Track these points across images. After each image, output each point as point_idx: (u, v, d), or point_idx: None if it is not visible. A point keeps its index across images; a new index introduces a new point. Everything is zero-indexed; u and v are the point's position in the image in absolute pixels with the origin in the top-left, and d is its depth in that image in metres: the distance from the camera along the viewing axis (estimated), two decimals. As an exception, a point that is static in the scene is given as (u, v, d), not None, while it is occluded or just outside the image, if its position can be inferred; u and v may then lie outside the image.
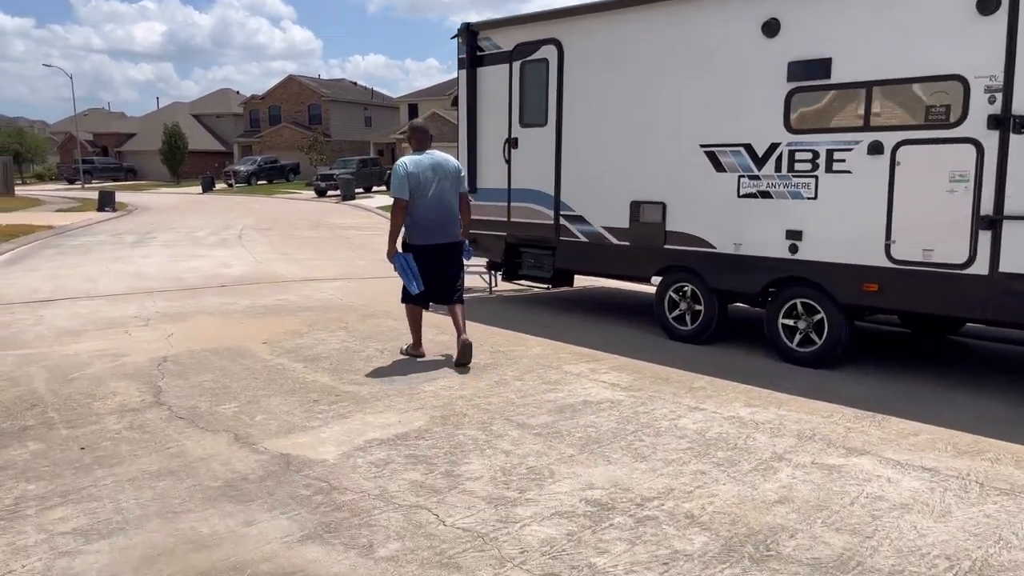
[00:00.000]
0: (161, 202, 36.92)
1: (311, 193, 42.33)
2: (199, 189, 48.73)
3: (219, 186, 51.21)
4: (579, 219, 8.20)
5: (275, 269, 12.71)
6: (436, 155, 6.64)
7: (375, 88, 69.13)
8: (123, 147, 69.73)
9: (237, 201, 37.44)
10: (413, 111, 57.19)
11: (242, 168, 53.53)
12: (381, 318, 8.41)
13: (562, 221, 8.36)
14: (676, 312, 7.55)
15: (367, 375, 6.25)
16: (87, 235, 19.30)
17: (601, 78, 7.88)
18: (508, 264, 9.14)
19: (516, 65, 8.71)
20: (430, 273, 6.57)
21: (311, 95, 61.47)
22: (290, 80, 63.09)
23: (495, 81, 8.97)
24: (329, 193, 40.13)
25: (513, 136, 8.80)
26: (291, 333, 7.75)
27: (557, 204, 8.39)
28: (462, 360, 6.47)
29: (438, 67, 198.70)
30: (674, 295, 7.56)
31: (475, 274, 10.59)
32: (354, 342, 7.40)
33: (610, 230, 7.90)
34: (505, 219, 8.99)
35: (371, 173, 42.34)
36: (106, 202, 28.87)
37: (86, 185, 53.72)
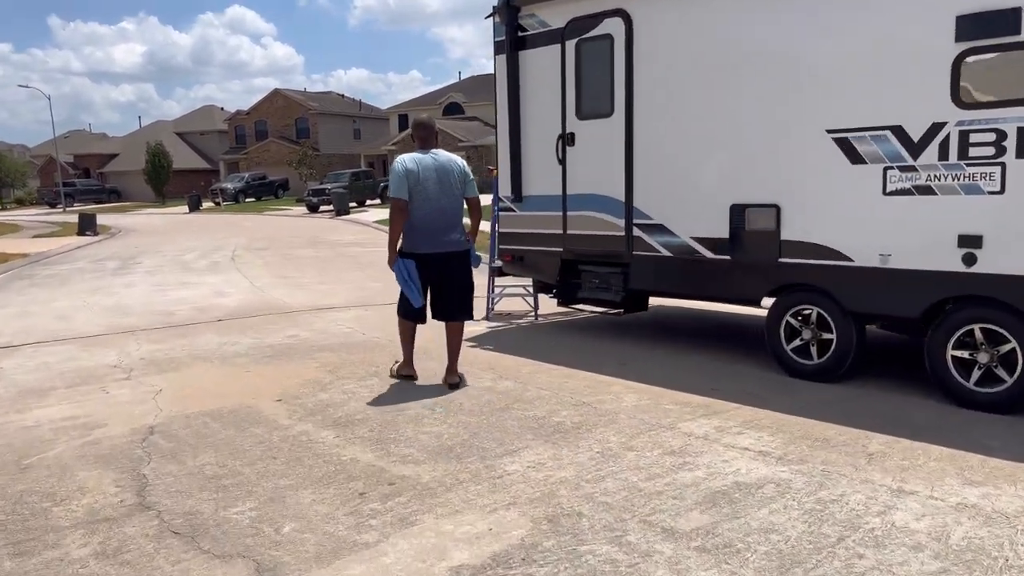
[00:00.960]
0: (146, 223, 35.22)
1: (302, 209, 40.71)
2: (185, 208, 46.97)
3: (206, 205, 49.47)
4: (659, 229, 6.66)
5: (278, 297, 11.11)
6: (441, 154, 5.94)
7: (362, 100, 67.55)
8: (105, 168, 67.81)
9: (226, 220, 35.76)
10: (403, 122, 55.74)
11: (229, 185, 51.82)
12: (420, 359, 6.86)
13: (636, 232, 6.83)
14: (796, 342, 6.02)
15: (422, 447, 4.68)
16: (65, 263, 17.62)
17: (686, 53, 6.36)
18: (564, 286, 7.58)
19: (570, 45, 7.18)
20: (431, 285, 5.93)
21: (298, 109, 59.87)
22: (276, 94, 61.48)
23: (543, 66, 7.44)
24: (322, 208, 38.51)
25: (568, 131, 7.27)
26: (311, 384, 6.18)
27: (629, 211, 6.86)
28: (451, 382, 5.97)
29: (421, 79, 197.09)
30: (793, 321, 6.02)
31: (515, 295, 9.05)
32: (393, 395, 5.83)
33: (703, 241, 6.37)
34: (559, 231, 7.45)
35: (364, 186, 40.78)
36: (87, 225, 27.16)
37: (68, 208, 51.89)
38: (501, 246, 8.09)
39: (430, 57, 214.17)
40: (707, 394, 5.58)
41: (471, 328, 8.08)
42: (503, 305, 9.18)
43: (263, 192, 53.07)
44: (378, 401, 5.67)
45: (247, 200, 51.08)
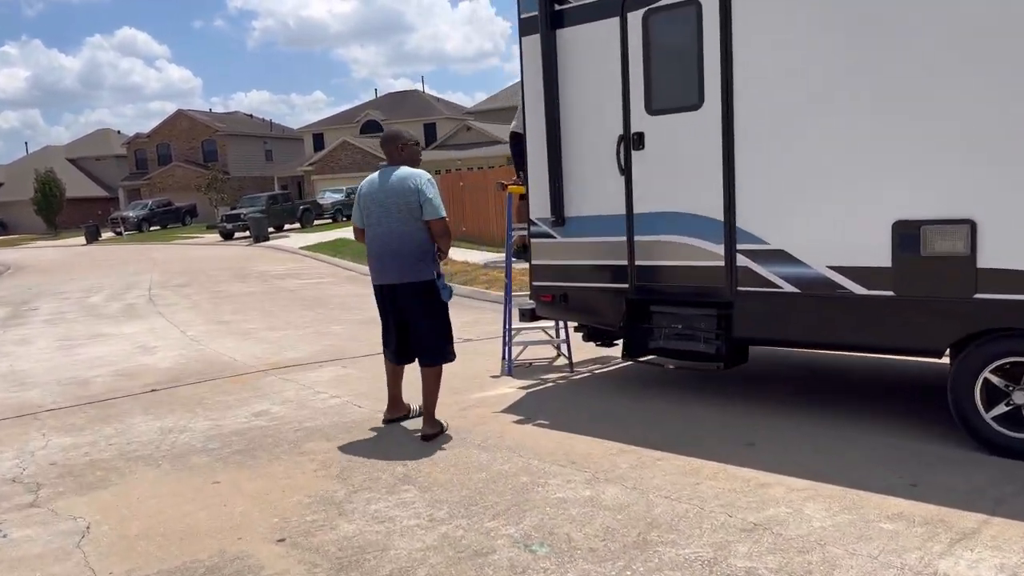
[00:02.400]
0: (39, 258, 31.70)
1: (215, 236, 37.75)
2: (82, 240, 43.15)
3: (106, 235, 45.67)
4: (778, 256, 4.96)
5: (222, 351, 8.94)
6: (401, 171, 5.22)
7: (272, 120, 64.41)
8: (-10, 199, 62.42)
9: (132, 251, 32.55)
10: (319, 141, 53.33)
11: (131, 214, 48.06)
12: (461, 446, 4.96)
13: (742, 261, 5.11)
14: (1002, 408, 4.38)
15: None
16: (-58, 311, 14.79)
17: (822, 9, 4.70)
18: (631, 332, 5.78)
19: (635, 17, 5.44)
20: (390, 321, 5.38)
21: (204, 130, 56.43)
22: (179, 115, 57.84)
23: (594, 46, 5.67)
24: (237, 235, 35.75)
25: (634, 131, 5.52)
26: (320, 505, 4.18)
27: (731, 234, 5.14)
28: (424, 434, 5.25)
29: (325, 100, 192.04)
30: (996, 379, 4.39)
31: (541, 343, 7.22)
32: (452, 512, 3.91)
33: (848, 272, 4.70)
34: (623, 262, 5.68)
35: (283, 210, 38.08)
36: (-30, 264, 23.86)
37: (-53, 244, 47.11)
38: (536, 283, 6.25)
39: (333, 78, 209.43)
40: (916, 495, 3.87)
41: (500, 392, 6.21)
42: (514, 352, 7.33)
43: (169, 219, 49.57)
44: (435, 530, 3.74)
45: (152, 229, 47.48)
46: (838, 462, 4.35)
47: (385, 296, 5.30)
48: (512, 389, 6.39)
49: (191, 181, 52.64)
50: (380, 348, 5.69)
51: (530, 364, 7.25)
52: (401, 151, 5.27)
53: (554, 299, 6.15)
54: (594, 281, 5.88)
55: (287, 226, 38.31)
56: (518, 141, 6.71)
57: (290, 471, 4.75)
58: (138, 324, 11.39)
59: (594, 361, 7.27)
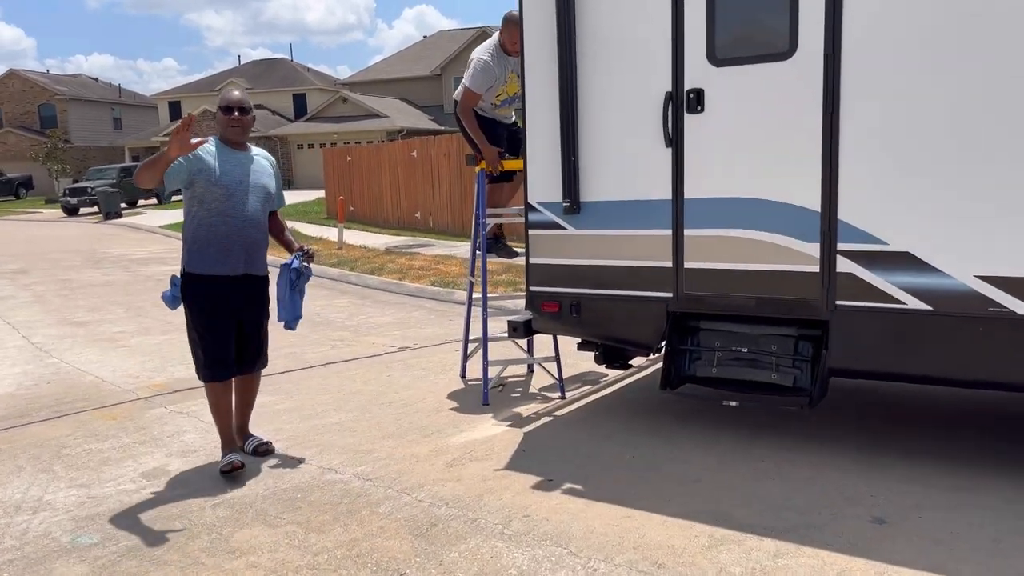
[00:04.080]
0: None
1: (57, 212, 33.71)
2: None
3: (-77, 209, 40.13)
4: (901, 261, 3.68)
5: (84, 366, 6.89)
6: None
7: (121, 85, 58.88)
8: None
9: (-46, 228, 28.34)
10: (176, 110, 49.18)
11: (-46, 185, 42.59)
12: (479, 535, 3.42)
13: (846, 266, 3.80)
14: None
15: None
16: None
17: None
18: (673, 356, 4.36)
19: (696, -70, 4.00)
20: (225, 324, 4.27)
21: (41, 93, 50.78)
22: (11, 76, 51.75)
23: (631, -29, 4.20)
24: (83, 211, 31.99)
25: (689, 88, 4.08)
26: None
27: (830, 229, 3.82)
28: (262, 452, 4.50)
29: (177, 67, 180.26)
30: None
31: (518, 362, 5.74)
32: None
33: (1010, 285, 3.47)
34: (666, 264, 4.26)
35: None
36: None
37: None
38: (536, 288, 4.73)
39: (186, 45, 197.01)
40: None
41: (485, 433, 4.70)
42: (474, 364, 5.77)
43: (1, 192, 44.26)
44: None
45: (-21, 202, 42.22)
46: (1014, 557, 3.12)
47: (227, 292, 4.26)
48: (500, 428, 4.86)
49: (25, 150, 47.28)
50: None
51: (501, 387, 5.74)
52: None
53: (561, 309, 4.65)
54: (621, 287, 4.43)
55: (141, 202, 34.75)
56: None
57: (223, 593, 3.06)
58: (-37, 326, 8.99)
59: (577, 379, 5.84)
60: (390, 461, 4.35)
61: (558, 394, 5.49)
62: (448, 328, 8.03)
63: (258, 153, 4.44)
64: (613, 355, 4.98)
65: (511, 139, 5.80)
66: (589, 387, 5.72)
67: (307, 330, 8.17)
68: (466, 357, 6.08)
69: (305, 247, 4.48)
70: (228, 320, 4.26)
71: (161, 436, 4.94)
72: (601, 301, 4.52)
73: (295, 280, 4.45)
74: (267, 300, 4.45)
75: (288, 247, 4.53)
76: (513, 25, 5.17)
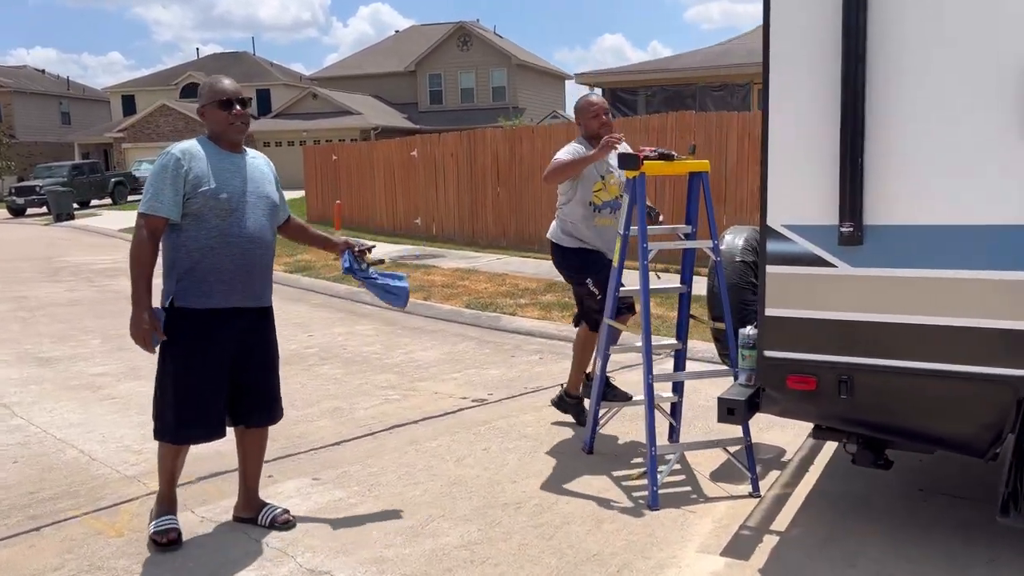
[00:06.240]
0: None
1: (1, 212, 31.24)
2: None
3: None
4: None
5: (63, 433, 5.12)
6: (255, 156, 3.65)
7: (71, 78, 55.78)
8: None
9: None
10: (130, 104, 46.61)
11: None
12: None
13: None
14: None
15: None
16: None
17: None
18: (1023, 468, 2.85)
19: None
20: (217, 374, 3.44)
21: (-18, 85, 47.66)
22: (-51, 65, 48.54)
23: None
24: (30, 212, 29.62)
25: (1085, 49, 2.58)
26: None
27: None
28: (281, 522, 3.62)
29: (124, 62, 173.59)
30: None
31: (700, 445, 4.20)
32: None
33: None
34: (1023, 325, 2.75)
35: (90, 183, 32.12)
36: None
37: None
38: (777, 352, 3.18)
39: (133, 39, 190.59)
40: None
41: (705, 567, 3.13)
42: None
43: (-63, 190, 41.29)
44: None
45: (-87, 201, 39.20)
46: None
47: (223, 328, 3.44)
48: (715, 561, 3.28)
49: (-34, 145, 44.21)
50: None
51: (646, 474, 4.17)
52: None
53: (820, 386, 3.11)
54: (934, 358, 2.91)
55: (95, 201, 32.39)
56: None
57: None
58: None
59: (726, 475, 4.29)
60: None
61: (746, 486, 3.96)
62: (515, 368, 6.46)
63: (254, 156, 3.61)
64: (872, 451, 3.43)
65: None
66: (775, 470, 4.20)
67: (340, 370, 6.53)
68: (596, 428, 4.52)
69: (352, 242, 3.81)
70: (222, 368, 3.43)
71: (198, 568, 3.28)
72: (895, 378, 2.98)
73: (374, 277, 3.80)
74: (274, 337, 3.66)
75: (326, 244, 3.88)
76: (590, 107, 4.57)
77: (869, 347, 3.01)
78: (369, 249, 3.81)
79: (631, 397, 4.68)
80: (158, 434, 3.48)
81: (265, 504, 3.72)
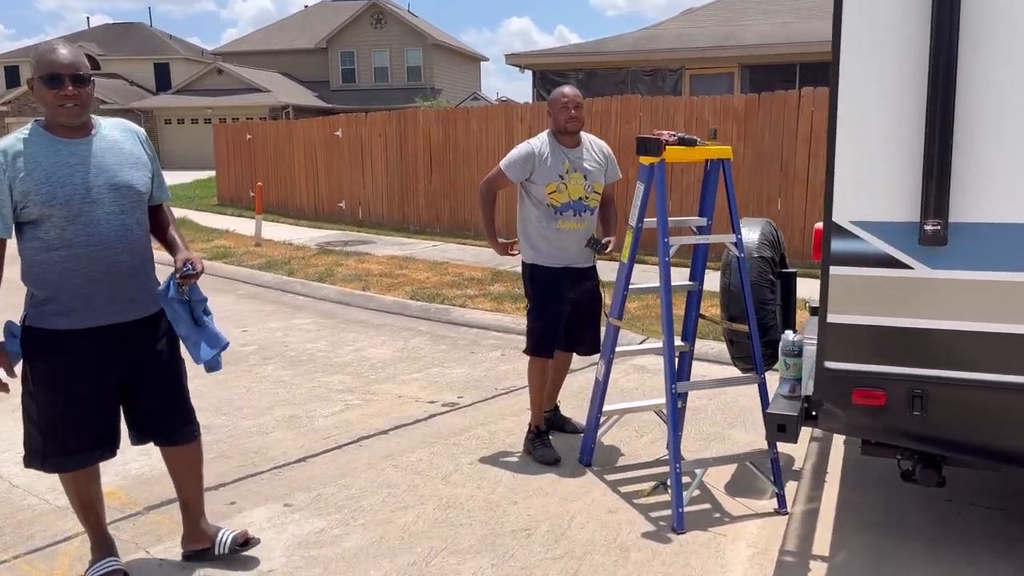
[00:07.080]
0: None
1: None
2: None
3: None
4: None
5: (-37, 451, 4.41)
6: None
7: (-56, 45, 51.60)
8: None
9: None
10: (13, 76, 43.42)
11: None
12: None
13: None
14: None
15: None
16: None
17: None
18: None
19: None
20: (86, 396, 2.89)
21: None
22: None
23: None
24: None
25: None
26: None
27: None
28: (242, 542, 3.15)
29: (3, 31, 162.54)
30: None
31: (728, 460, 3.87)
32: None
33: None
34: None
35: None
36: None
37: None
38: (841, 364, 2.84)
39: (11, 8, 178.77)
40: None
41: None
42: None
43: None
44: None
45: None
46: None
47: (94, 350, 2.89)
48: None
49: None
50: None
51: (664, 487, 3.83)
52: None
53: (889, 401, 2.79)
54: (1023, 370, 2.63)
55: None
56: None
57: None
58: None
59: (742, 487, 3.99)
60: None
61: (767, 500, 3.65)
62: (479, 367, 6.02)
63: (111, 130, 2.91)
64: (937, 466, 3.14)
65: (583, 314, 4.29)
66: (791, 480, 3.91)
67: (287, 372, 5.94)
68: (595, 439, 4.14)
69: (187, 259, 2.88)
70: (100, 389, 2.89)
71: (171, 635, 2.73)
72: (977, 392, 2.69)
73: (188, 309, 2.95)
74: (168, 343, 3.04)
75: (171, 251, 3.02)
76: (560, 99, 4.06)
77: (947, 358, 2.70)
78: (192, 276, 2.89)
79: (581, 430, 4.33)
80: (27, 461, 2.95)
81: (219, 528, 3.20)
